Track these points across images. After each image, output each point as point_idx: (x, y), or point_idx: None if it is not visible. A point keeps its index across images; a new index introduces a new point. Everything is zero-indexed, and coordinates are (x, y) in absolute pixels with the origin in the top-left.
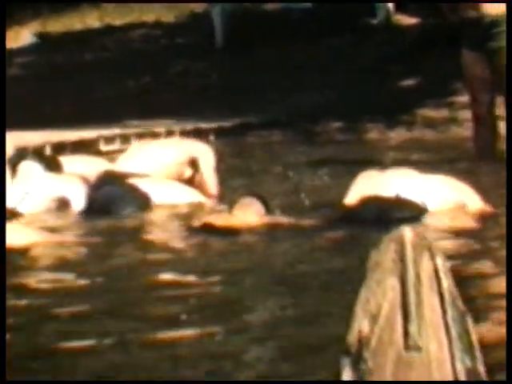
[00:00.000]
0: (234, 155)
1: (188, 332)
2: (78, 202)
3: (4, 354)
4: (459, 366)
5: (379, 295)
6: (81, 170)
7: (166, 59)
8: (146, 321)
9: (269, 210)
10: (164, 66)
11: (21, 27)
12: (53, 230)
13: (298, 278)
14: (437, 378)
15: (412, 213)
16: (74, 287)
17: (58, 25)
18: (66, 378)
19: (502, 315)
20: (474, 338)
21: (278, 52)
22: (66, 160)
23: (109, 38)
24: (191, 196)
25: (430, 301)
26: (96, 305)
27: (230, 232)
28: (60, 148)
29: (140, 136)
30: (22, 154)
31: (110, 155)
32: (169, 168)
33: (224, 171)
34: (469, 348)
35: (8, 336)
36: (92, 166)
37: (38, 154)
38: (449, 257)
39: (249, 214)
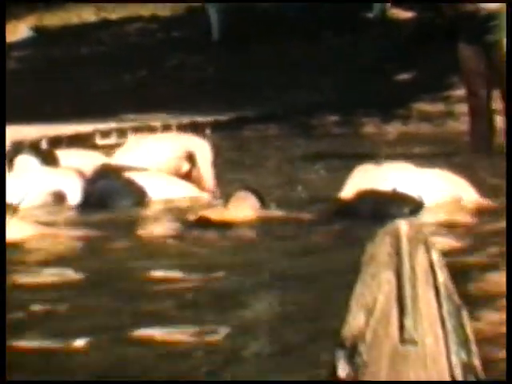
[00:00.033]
0: (230, 149)
1: (183, 328)
2: (74, 196)
3: (4, 354)
4: (455, 360)
5: (374, 289)
6: (77, 163)
7: (162, 53)
8: (141, 316)
9: (264, 203)
10: (160, 60)
11: (18, 21)
12: (48, 223)
13: (294, 273)
14: (432, 371)
15: (408, 207)
16: (68, 281)
17: (55, 19)
18: (65, 376)
19: (498, 308)
20: (470, 331)
21: (273, 47)
22: (62, 154)
23: (105, 32)
24: (188, 190)
25: (426, 294)
26: (89, 299)
27: (224, 226)
28: (56, 142)
29: (136, 130)
30: (18, 147)
31: (107, 149)
32: (166, 162)
33: (220, 165)
34: (464, 342)
35: None
36: (88, 160)
37: (34, 147)
38: (444, 250)
39: (244, 208)
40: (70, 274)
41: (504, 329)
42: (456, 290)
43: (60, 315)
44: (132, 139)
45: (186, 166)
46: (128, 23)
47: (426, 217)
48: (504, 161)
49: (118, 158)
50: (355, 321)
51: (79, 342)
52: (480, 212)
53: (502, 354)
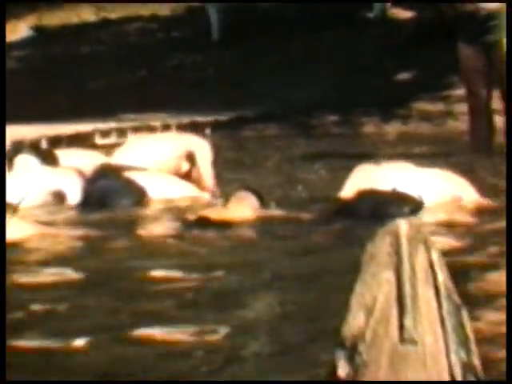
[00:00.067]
0: (229, 149)
1: (183, 327)
2: (74, 196)
3: (4, 354)
4: (454, 359)
5: (374, 288)
6: (77, 163)
7: (161, 53)
8: (141, 315)
9: (264, 203)
10: (160, 60)
11: (17, 20)
12: (48, 223)
13: (294, 272)
14: (432, 370)
15: (408, 206)
16: (67, 281)
17: (55, 18)
18: (65, 375)
19: (498, 308)
20: (470, 331)
21: (273, 47)
22: (62, 153)
23: (105, 32)
24: (187, 190)
25: (426, 294)
26: (89, 299)
27: (224, 226)
28: (56, 141)
29: (136, 129)
30: (18, 147)
31: (106, 149)
32: (165, 162)
33: (220, 165)
34: (464, 341)
35: None
36: (88, 160)
37: (34, 147)
38: (444, 250)
39: (243, 207)
40: (70, 274)
41: (503, 329)
42: (456, 289)
43: (59, 315)
44: (132, 139)
45: (185, 166)
46: (128, 23)
47: (426, 216)
48: (504, 160)
49: (117, 158)
50: (355, 320)
51: (79, 342)
52: (480, 211)
53: (502, 353)
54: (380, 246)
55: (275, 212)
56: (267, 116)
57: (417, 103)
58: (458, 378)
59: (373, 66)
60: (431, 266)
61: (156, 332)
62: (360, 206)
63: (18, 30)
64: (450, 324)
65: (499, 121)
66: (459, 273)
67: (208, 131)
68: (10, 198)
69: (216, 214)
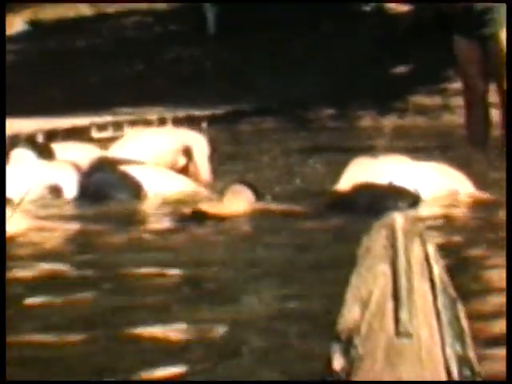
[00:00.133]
0: (226, 142)
1: (180, 323)
2: (71, 189)
3: (4, 354)
4: (449, 352)
5: (370, 281)
6: (73, 157)
7: (158, 46)
8: (136, 311)
9: (259, 197)
10: (157, 54)
11: (13, 15)
12: (44, 217)
13: (290, 267)
14: (427, 364)
15: (405, 200)
16: (62, 275)
17: (51, 12)
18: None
19: (493, 302)
20: (465, 324)
21: (270, 39)
22: (58, 147)
23: (101, 26)
24: (184, 184)
25: (421, 287)
26: (82, 294)
27: (219, 219)
28: (52, 135)
29: (132, 123)
30: (14, 141)
31: (103, 142)
32: (162, 156)
33: (216, 158)
34: (459, 334)
35: None
36: (84, 154)
37: (30, 141)
38: (440, 244)
39: (239, 201)
40: (64, 268)
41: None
42: (452, 282)
43: (54, 310)
44: (129, 133)
45: (182, 161)
46: (124, 16)
47: (422, 210)
48: (500, 154)
49: (114, 152)
50: (350, 313)
51: (74, 337)
52: (476, 205)
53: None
54: (376, 239)
55: (271, 205)
56: (264, 110)
57: (413, 97)
58: (454, 371)
59: (369, 59)
60: (427, 259)
61: (151, 329)
62: (356, 199)
63: (14, 24)
64: (445, 317)
65: (495, 114)
66: (456, 266)
67: (204, 125)
68: (7, 191)
69: (211, 207)
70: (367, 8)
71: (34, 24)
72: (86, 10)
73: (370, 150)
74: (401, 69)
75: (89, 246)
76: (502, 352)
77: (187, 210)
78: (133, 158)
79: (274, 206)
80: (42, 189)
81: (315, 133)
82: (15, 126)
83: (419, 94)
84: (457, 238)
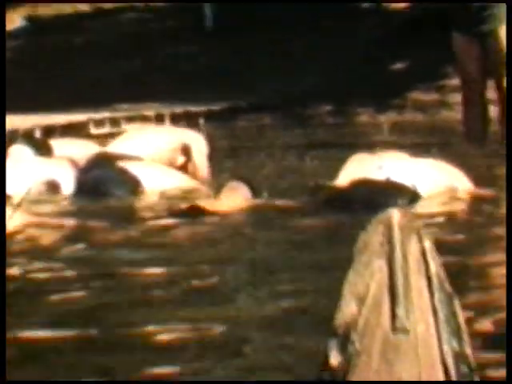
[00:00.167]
0: (223, 138)
1: (178, 321)
2: (68, 185)
3: (4, 354)
4: (446, 349)
5: (367, 277)
6: (71, 153)
7: (156, 43)
8: (134, 311)
9: (256, 193)
10: (154, 50)
11: (11, 11)
12: (42, 213)
13: (286, 264)
14: (424, 360)
15: (402, 196)
16: (57, 273)
17: (49, 8)
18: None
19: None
20: (462, 320)
21: (268, 36)
22: (56, 143)
23: (99, 22)
24: (181, 180)
25: (418, 283)
26: (79, 292)
27: (216, 216)
28: (50, 131)
29: (130, 119)
30: (12, 137)
31: (101, 138)
32: (160, 154)
33: (213, 155)
34: (456, 331)
35: None
36: (82, 150)
37: (27, 137)
38: (438, 240)
39: (236, 197)
40: (60, 265)
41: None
42: (450, 279)
43: (50, 307)
44: (128, 131)
45: (181, 159)
46: (122, 13)
47: (420, 206)
48: (498, 150)
49: (113, 149)
50: (348, 309)
51: (69, 334)
52: (474, 201)
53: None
54: (373, 235)
55: (268, 202)
56: (261, 106)
57: (411, 93)
58: (451, 367)
59: (367, 55)
60: (424, 255)
61: (147, 328)
62: (354, 195)
63: (12, 21)
64: (442, 313)
65: (493, 111)
66: (454, 264)
67: (201, 121)
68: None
69: (208, 204)
70: (366, 5)
71: (32, 20)
72: (83, 6)
73: (368, 147)
74: (399, 65)
75: (86, 242)
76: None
77: (184, 206)
78: (131, 155)
79: (271, 203)
80: (39, 185)
81: (313, 129)
82: (13, 122)
83: (417, 90)
84: (455, 235)
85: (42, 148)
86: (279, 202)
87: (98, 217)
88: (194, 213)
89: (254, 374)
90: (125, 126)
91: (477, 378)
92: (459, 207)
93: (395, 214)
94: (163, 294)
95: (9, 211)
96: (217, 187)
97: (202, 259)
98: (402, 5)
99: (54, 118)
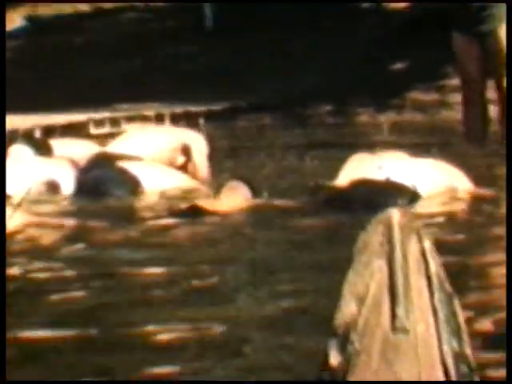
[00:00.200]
0: (223, 138)
1: (178, 321)
2: (68, 185)
3: (4, 354)
4: (446, 349)
5: (367, 277)
6: (71, 153)
7: (156, 43)
8: (134, 311)
9: (256, 193)
10: (154, 50)
11: (11, 11)
12: (41, 213)
13: (287, 265)
14: (423, 360)
15: (402, 196)
16: (57, 273)
17: (49, 8)
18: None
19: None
20: (462, 320)
21: (268, 36)
22: (56, 143)
23: (99, 22)
24: (181, 180)
25: (418, 283)
26: (79, 292)
27: (216, 216)
28: (50, 131)
29: (130, 119)
30: (12, 137)
31: (100, 138)
32: (161, 154)
33: (213, 154)
34: (456, 330)
35: None
36: (82, 149)
37: (27, 137)
38: (439, 240)
39: (235, 197)
40: (60, 265)
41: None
42: (450, 279)
43: (50, 307)
44: (128, 131)
45: (181, 159)
46: (122, 13)
47: (420, 206)
48: (499, 149)
49: (113, 149)
50: (347, 309)
51: (69, 333)
52: (474, 201)
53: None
54: (372, 235)
55: (267, 202)
56: (261, 106)
57: (411, 93)
58: (451, 367)
59: (367, 55)
60: (423, 255)
61: (147, 328)
62: (354, 195)
63: (12, 20)
64: (441, 313)
65: (493, 111)
66: (454, 264)
67: (202, 121)
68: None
69: (208, 204)
70: (366, 5)
71: (32, 20)
72: (83, 6)
73: (368, 147)
74: (399, 65)
75: (86, 241)
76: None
77: (184, 206)
78: (131, 154)
79: (271, 202)
80: (39, 185)
81: (313, 129)
82: (13, 122)
83: (417, 90)
84: (455, 235)
85: (41, 148)
86: (279, 202)
87: (97, 217)
88: (194, 213)
89: (254, 374)
90: (125, 126)
91: (477, 378)
92: (459, 207)
93: (395, 214)
94: (163, 293)
95: (9, 211)
96: (217, 187)
97: (201, 259)
98: (402, 4)
99: (54, 117)
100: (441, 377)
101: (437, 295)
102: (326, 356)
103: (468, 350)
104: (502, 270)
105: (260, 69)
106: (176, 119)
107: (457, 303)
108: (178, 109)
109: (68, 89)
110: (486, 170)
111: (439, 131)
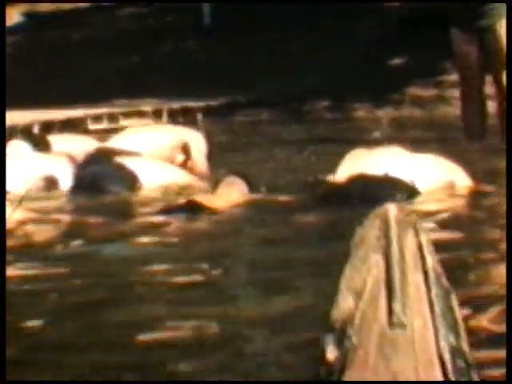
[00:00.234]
0: (221, 134)
1: (176, 319)
2: (66, 181)
3: (4, 354)
4: (443, 343)
5: (364, 272)
6: (69, 148)
7: (154, 38)
8: (132, 308)
9: (253, 188)
10: (152, 45)
11: (9, 6)
12: (39, 209)
13: (284, 259)
14: (421, 355)
15: (400, 191)
16: (54, 269)
17: (47, 4)
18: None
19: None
20: (459, 315)
21: (267, 36)
22: (54, 139)
23: (97, 17)
24: (179, 176)
25: (414, 278)
26: (76, 288)
27: (212, 211)
28: (48, 127)
29: (128, 115)
30: (10, 133)
31: (99, 134)
32: (160, 152)
33: (211, 150)
34: (453, 325)
35: None
36: (80, 145)
37: (26, 132)
38: (436, 236)
39: (232, 192)
40: (57, 262)
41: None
42: (446, 274)
43: (46, 304)
44: (128, 129)
45: (180, 158)
46: (120, 8)
47: (418, 202)
48: (497, 145)
49: (112, 146)
50: (344, 304)
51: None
52: (473, 196)
53: None
54: (369, 230)
55: (264, 197)
56: (259, 101)
57: (410, 88)
58: (448, 362)
59: (366, 51)
60: (420, 249)
61: (147, 325)
62: (352, 190)
63: (10, 16)
64: (438, 308)
65: (492, 106)
66: (452, 260)
67: (200, 116)
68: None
69: (205, 199)
70: (366, 5)
71: (30, 16)
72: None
73: (366, 142)
74: (397, 61)
75: (83, 237)
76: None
77: (182, 202)
78: (128, 150)
79: (268, 198)
80: (37, 180)
81: (311, 124)
82: (11, 117)
83: (416, 85)
84: (453, 230)
85: (40, 143)
86: (277, 197)
87: (95, 212)
88: (192, 208)
89: (253, 373)
90: (123, 122)
91: (476, 378)
92: (458, 202)
93: (392, 209)
94: (160, 290)
95: (8, 208)
96: (214, 182)
97: (199, 255)
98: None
99: (53, 113)
100: (438, 371)
101: (434, 290)
102: (323, 351)
103: (465, 345)
104: (501, 266)
105: (258, 64)
106: (174, 115)
107: (454, 298)
108: (176, 104)
109: (66, 84)
110: (485, 165)
111: (438, 127)
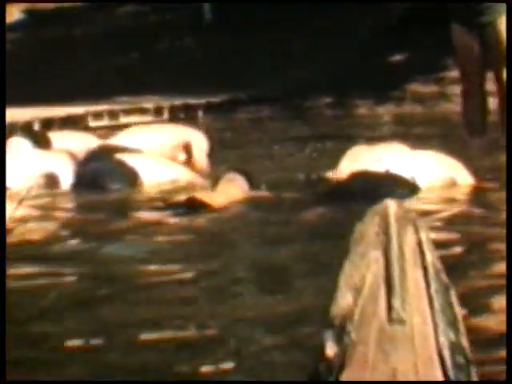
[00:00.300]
0: (222, 130)
1: (176, 319)
2: (67, 178)
3: (4, 354)
4: (442, 339)
5: (363, 268)
6: (70, 145)
7: (154, 35)
8: (132, 306)
9: (253, 185)
10: (153, 42)
11: (10, 4)
12: (40, 206)
13: (285, 256)
14: (420, 350)
15: (401, 188)
16: (55, 268)
17: (47, 1)
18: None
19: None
20: (458, 311)
21: (267, 36)
22: (54, 136)
23: (97, 14)
24: (179, 173)
25: (414, 274)
26: (77, 285)
27: (212, 208)
28: (48, 124)
29: (128, 112)
30: (10, 129)
31: (99, 131)
32: (162, 151)
33: (212, 147)
34: (453, 321)
35: None
36: (81, 142)
37: (26, 129)
38: (437, 233)
39: (233, 189)
40: (58, 259)
41: None
42: (446, 271)
43: (46, 302)
44: (131, 128)
45: (182, 157)
46: (120, 5)
47: (419, 198)
48: (498, 142)
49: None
50: (344, 300)
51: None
52: (473, 193)
53: None
54: (369, 226)
55: (265, 194)
56: (260, 98)
57: (411, 85)
58: (447, 358)
59: (366, 47)
60: (420, 246)
61: (146, 324)
62: (353, 187)
63: (10, 14)
64: (438, 304)
65: (493, 102)
66: (452, 256)
67: (201, 113)
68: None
69: (206, 196)
70: (366, 5)
71: (30, 13)
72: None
73: (367, 139)
74: (398, 57)
75: (84, 234)
76: None
77: (182, 199)
78: (130, 147)
79: (269, 195)
80: (37, 178)
81: (312, 121)
82: (12, 114)
83: (417, 82)
84: (454, 227)
85: (40, 140)
86: (277, 194)
87: (95, 210)
88: (192, 205)
89: (254, 374)
90: (123, 119)
91: (475, 374)
92: (458, 199)
93: (391, 205)
94: (160, 289)
95: (8, 206)
96: (215, 179)
97: (199, 252)
98: None
99: (53, 110)
100: (437, 368)
101: (433, 286)
102: (322, 347)
103: (464, 341)
104: (501, 263)
105: (259, 60)
106: (175, 112)
107: (453, 294)
108: (177, 101)
109: (66, 81)
110: (486, 161)
111: (439, 123)
